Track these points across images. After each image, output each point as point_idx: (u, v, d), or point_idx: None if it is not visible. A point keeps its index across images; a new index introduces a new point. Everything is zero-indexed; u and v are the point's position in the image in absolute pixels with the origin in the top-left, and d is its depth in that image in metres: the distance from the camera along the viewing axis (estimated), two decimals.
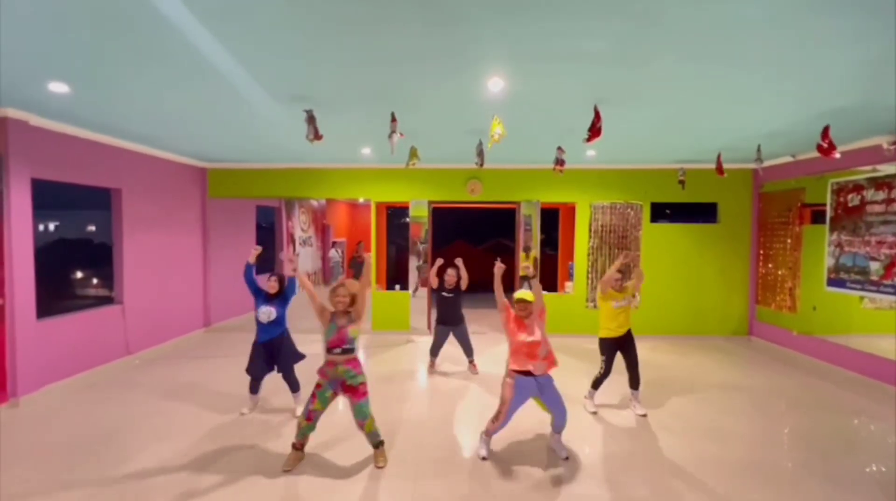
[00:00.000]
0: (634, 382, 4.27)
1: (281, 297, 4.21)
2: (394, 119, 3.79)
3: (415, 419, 4.15)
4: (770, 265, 6.84)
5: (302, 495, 3.00)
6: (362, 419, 3.26)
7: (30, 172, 4.43)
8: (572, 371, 5.35)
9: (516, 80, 3.32)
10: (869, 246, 5.13)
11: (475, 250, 12.58)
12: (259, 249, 4.20)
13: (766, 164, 6.33)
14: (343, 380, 3.25)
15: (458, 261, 5.28)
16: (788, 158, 6.21)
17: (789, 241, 6.45)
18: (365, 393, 3.29)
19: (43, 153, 4.58)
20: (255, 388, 4.28)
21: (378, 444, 3.36)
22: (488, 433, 3.48)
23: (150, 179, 6.11)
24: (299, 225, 10.89)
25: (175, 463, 3.34)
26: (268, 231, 10.09)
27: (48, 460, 3.38)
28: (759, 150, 4.94)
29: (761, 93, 3.56)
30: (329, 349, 3.24)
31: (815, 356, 5.94)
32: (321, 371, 3.30)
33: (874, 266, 5.05)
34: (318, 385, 3.28)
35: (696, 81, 3.32)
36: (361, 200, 7.84)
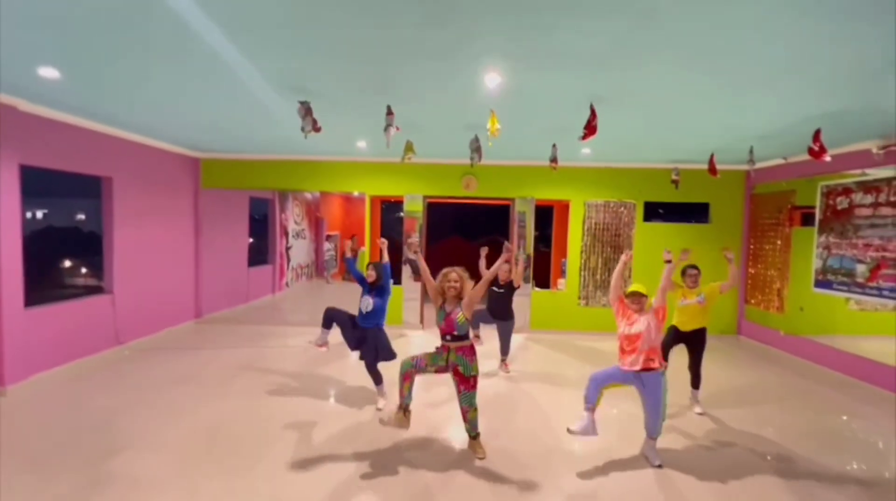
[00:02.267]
0: (695, 381, 4.30)
1: (379, 288, 4.11)
2: (390, 112, 3.77)
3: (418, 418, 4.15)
4: (760, 266, 6.93)
5: (292, 493, 3.00)
6: (468, 406, 3.27)
7: (18, 159, 4.36)
8: (566, 366, 5.40)
9: (513, 75, 3.32)
10: (856, 249, 5.21)
11: (470, 245, 12.60)
12: (355, 244, 4.13)
13: (759, 166, 6.39)
14: (456, 366, 3.24)
15: (513, 251, 5.24)
16: (780, 161, 6.28)
17: (779, 242, 6.53)
18: (475, 386, 3.28)
19: (32, 139, 4.51)
20: (328, 323, 4.20)
21: (475, 435, 3.38)
22: (587, 403, 3.27)
23: (141, 168, 6.03)
24: (293, 217, 10.83)
25: (163, 455, 3.33)
26: (261, 223, 10.03)
27: (35, 450, 3.35)
28: (751, 151, 4.99)
29: (755, 95, 3.59)
30: (442, 336, 3.23)
31: (801, 355, 6.04)
32: (440, 347, 3.28)
33: (860, 268, 5.14)
34: (437, 349, 3.26)
35: (691, 82, 3.34)
36: (356, 193, 7.79)
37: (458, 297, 3.25)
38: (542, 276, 8.57)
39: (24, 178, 4.45)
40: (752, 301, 7.05)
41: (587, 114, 3.69)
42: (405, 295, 7.40)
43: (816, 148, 4.04)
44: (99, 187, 5.60)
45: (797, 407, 4.56)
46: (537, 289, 7.54)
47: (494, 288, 5.27)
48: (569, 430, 3.26)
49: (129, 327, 5.87)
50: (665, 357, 4.22)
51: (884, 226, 4.90)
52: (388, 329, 4.26)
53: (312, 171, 7.37)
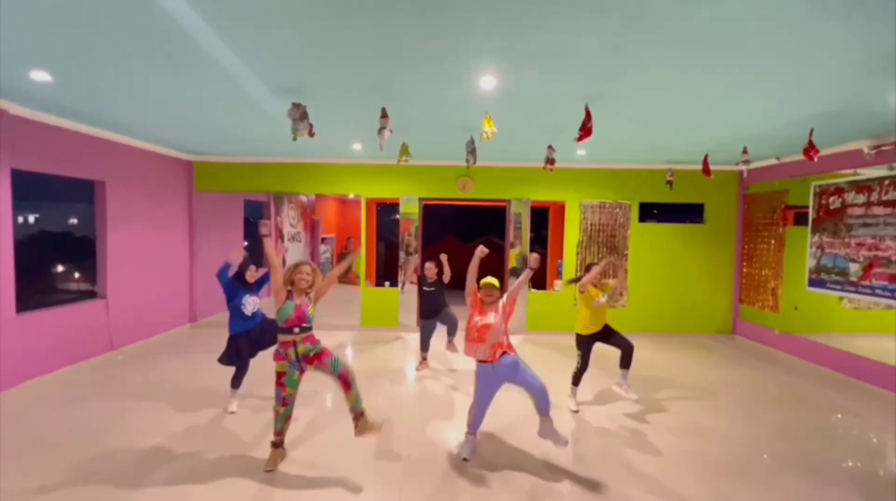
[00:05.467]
0: (625, 360, 4.24)
1: (257, 286, 4.18)
2: (384, 115, 3.76)
3: (403, 418, 4.14)
4: (754, 265, 6.97)
5: (283, 495, 2.98)
6: (342, 368, 3.20)
7: (9, 163, 4.32)
8: (560, 369, 5.40)
9: (508, 77, 3.32)
10: (849, 248, 5.25)
11: (465, 246, 12.61)
12: (242, 254, 4.06)
13: (752, 166, 6.45)
14: (306, 355, 3.19)
15: (443, 256, 5.31)
16: (773, 161, 6.33)
17: (773, 242, 6.58)
18: (331, 353, 3.24)
19: (23, 143, 4.47)
20: (236, 382, 4.20)
21: (361, 413, 3.26)
22: (470, 430, 3.42)
23: (134, 171, 6.00)
24: (288, 220, 10.78)
25: (157, 462, 3.29)
26: (256, 226, 9.98)
27: (28, 456, 3.31)
28: (745, 151, 5.02)
29: (748, 96, 3.62)
30: (287, 329, 3.14)
31: (795, 354, 6.08)
32: (278, 356, 3.19)
33: (853, 267, 5.18)
34: (281, 374, 3.18)
35: (685, 83, 3.36)
36: (352, 195, 7.77)
37: (306, 291, 3.23)
38: (539, 277, 8.58)
39: (16, 182, 4.42)
40: (747, 301, 7.08)
41: (582, 115, 3.70)
42: (400, 298, 7.39)
43: (810, 148, 4.09)
44: (92, 191, 5.56)
45: (791, 405, 4.58)
46: (533, 290, 7.55)
47: (425, 288, 5.27)
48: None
49: (123, 332, 5.82)
50: (586, 362, 4.26)
51: (876, 225, 4.95)
52: (385, 331, 4.24)
53: (307, 173, 7.35)
